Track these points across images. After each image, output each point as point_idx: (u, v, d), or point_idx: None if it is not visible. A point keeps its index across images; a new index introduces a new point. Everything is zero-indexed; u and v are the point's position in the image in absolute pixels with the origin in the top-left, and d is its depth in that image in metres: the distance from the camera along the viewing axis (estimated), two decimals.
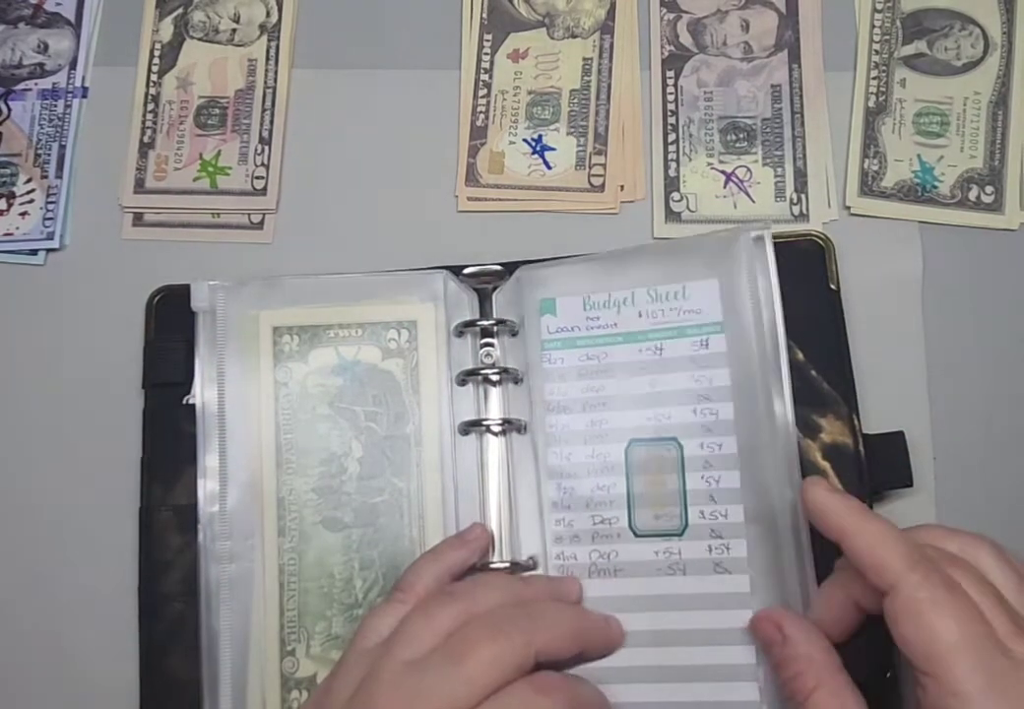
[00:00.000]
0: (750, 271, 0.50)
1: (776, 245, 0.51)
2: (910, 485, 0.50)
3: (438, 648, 0.43)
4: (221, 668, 0.49)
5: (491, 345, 0.52)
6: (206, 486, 0.50)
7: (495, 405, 0.52)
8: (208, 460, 0.50)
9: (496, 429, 0.51)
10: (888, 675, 0.47)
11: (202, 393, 0.51)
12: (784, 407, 0.49)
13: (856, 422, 0.50)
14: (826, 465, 0.50)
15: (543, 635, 0.43)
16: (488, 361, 0.52)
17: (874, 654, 0.47)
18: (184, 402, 0.52)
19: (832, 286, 0.52)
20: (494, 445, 0.51)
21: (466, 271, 0.53)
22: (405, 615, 0.45)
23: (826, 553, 0.48)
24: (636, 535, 0.49)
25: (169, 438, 0.52)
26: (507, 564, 0.49)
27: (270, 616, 0.49)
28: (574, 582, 0.48)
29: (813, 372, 0.50)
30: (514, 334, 0.52)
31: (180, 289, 0.53)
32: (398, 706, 0.41)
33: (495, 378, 0.52)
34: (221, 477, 0.50)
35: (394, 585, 0.46)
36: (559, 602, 0.47)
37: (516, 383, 0.52)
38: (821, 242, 0.52)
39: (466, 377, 0.52)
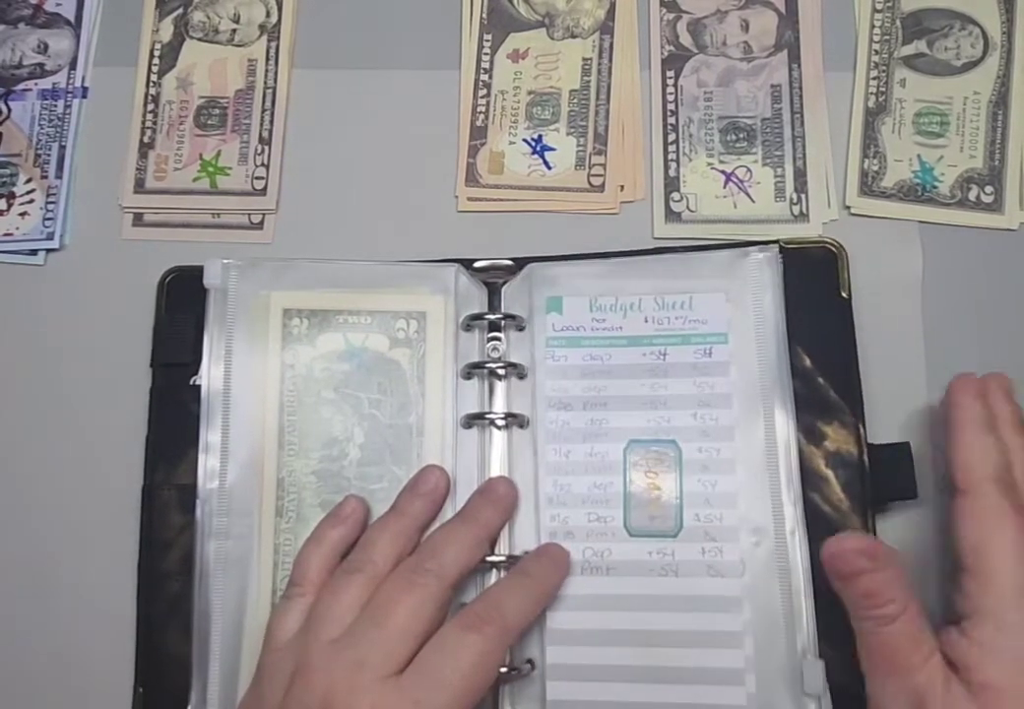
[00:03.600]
0: (756, 289, 0.51)
1: (788, 251, 0.52)
2: (915, 497, 0.50)
3: (358, 619, 0.43)
4: (212, 644, 0.49)
5: (498, 339, 0.52)
6: (207, 462, 0.51)
7: (499, 399, 0.52)
8: (210, 436, 0.51)
9: (499, 423, 0.51)
10: None
11: (209, 370, 0.51)
12: (785, 417, 0.49)
13: (862, 431, 0.50)
14: (829, 473, 0.49)
15: (450, 568, 0.45)
16: (495, 355, 0.52)
17: None
18: (191, 383, 0.52)
19: (843, 294, 0.52)
20: (497, 439, 0.51)
21: (476, 265, 0.54)
22: (312, 602, 0.46)
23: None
24: (630, 535, 0.49)
25: (174, 418, 0.52)
26: (503, 557, 0.49)
27: (263, 595, 0.50)
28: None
29: (820, 379, 0.50)
30: (520, 329, 0.53)
31: (192, 270, 0.53)
32: (339, 682, 0.41)
33: (500, 372, 0.52)
34: (222, 454, 0.51)
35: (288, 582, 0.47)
36: (451, 525, 0.48)
37: (520, 378, 0.52)
38: (834, 250, 0.52)
39: (471, 370, 0.52)
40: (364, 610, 0.44)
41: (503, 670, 0.47)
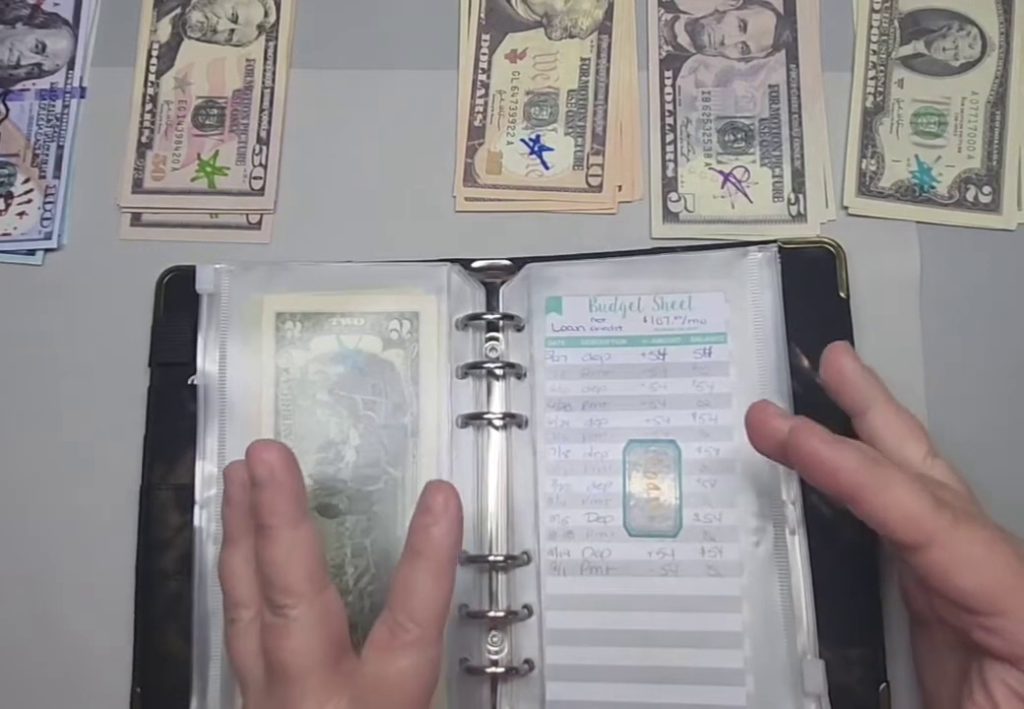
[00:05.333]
0: (755, 288, 0.51)
1: (786, 251, 0.52)
2: None
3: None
4: (212, 647, 0.49)
5: (496, 339, 0.52)
6: (204, 468, 0.51)
7: (497, 399, 0.52)
8: (207, 442, 0.51)
9: (497, 423, 0.51)
10: (882, 687, 0.47)
11: (204, 375, 0.51)
12: None
13: None
14: None
15: (426, 619, 0.41)
16: (493, 355, 0.52)
17: (868, 666, 0.47)
18: (189, 382, 0.52)
19: (841, 294, 0.52)
20: (495, 439, 0.51)
21: (475, 264, 0.54)
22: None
23: (822, 558, 0.48)
24: (630, 535, 0.49)
25: (172, 418, 0.52)
26: (501, 557, 0.49)
27: None
28: (434, 494, 0.42)
29: (818, 379, 0.50)
30: (519, 329, 0.53)
31: (190, 270, 0.53)
32: None
33: (499, 372, 0.52)
34: (219, 459, 0.51)
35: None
36: (403, 569, 0.42)
37: (519, 378, 0.52)
38: (832, 250, 0.52)
39: (468, 370, 0.52)
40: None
41: (501, 670, 0.47)
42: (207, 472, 0.50)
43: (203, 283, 0.52)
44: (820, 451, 0.40)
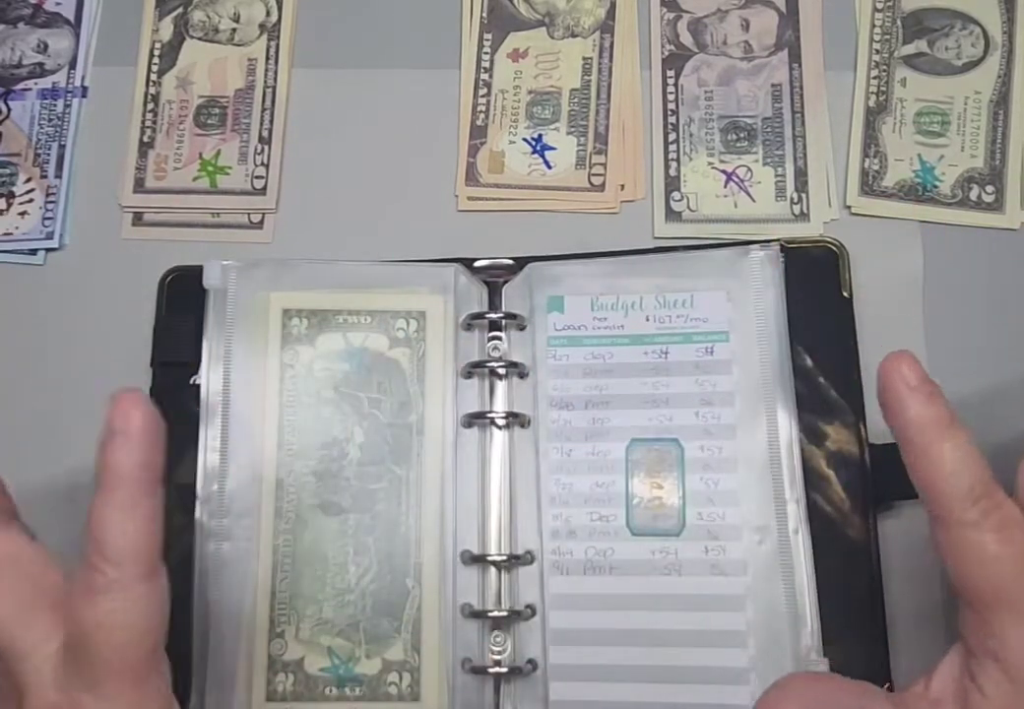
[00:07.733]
0: (758, 286, 0.51)
1: (789, 251, 0.51)
2: (916, 497, 0.49)
3: None
4: (211, 646, 0.49)
5: (499, 338, 0.52)
6: (207, 463, 0.50)
7: (500, 398, 0.52)
8: (210, 438, 0.50)
9: (500, 422, 0.51)
10: (885, 687, 0.47)
11: (208, 371, 0.51)
12: (787, 415, 0.49)
13: (863, 431, 0.50)
14: (830, 473, 0.49)
15: (125, 555, 0.36)
16: (496, 354, 0.52)
17: (872, 666, 0.47)
18: (191, 382, 0.52)
19: (844, 294, 0.52)
20: (498, 438, 0.51)
21: (477, 264, 0.54)
22: None
23: (824, 557, 0.48)
24: (633, 534, 0.49)
25: (174, 418, 0.51)
26: (504, 557, 0.49)
27: (261, 597, 0.49)
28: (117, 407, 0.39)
29: (821, 379, 0.50)
30: (522, 328, 0.53)
31: (192, 270, 0.53)
32: None
33: (501, 371, 0.52)
34: (222, 455, 0.50)
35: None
36: (96, 502, 0.38)
37: (521, 377, 0.52)
38: (835, 249, 0.52)
39: (472, 370, 0.52)
40: None
41: (504, 670, 0.47)
42: (209, 467, 0.50)
43: (211, 279, 0.52)
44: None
